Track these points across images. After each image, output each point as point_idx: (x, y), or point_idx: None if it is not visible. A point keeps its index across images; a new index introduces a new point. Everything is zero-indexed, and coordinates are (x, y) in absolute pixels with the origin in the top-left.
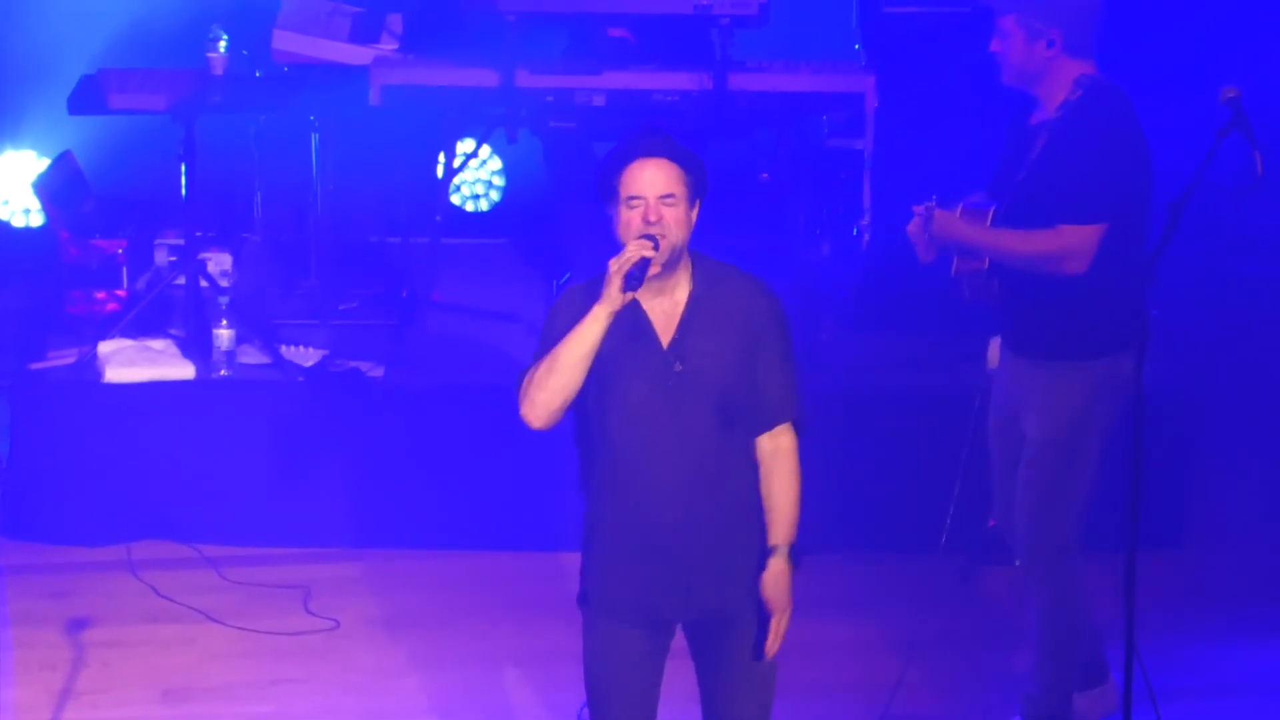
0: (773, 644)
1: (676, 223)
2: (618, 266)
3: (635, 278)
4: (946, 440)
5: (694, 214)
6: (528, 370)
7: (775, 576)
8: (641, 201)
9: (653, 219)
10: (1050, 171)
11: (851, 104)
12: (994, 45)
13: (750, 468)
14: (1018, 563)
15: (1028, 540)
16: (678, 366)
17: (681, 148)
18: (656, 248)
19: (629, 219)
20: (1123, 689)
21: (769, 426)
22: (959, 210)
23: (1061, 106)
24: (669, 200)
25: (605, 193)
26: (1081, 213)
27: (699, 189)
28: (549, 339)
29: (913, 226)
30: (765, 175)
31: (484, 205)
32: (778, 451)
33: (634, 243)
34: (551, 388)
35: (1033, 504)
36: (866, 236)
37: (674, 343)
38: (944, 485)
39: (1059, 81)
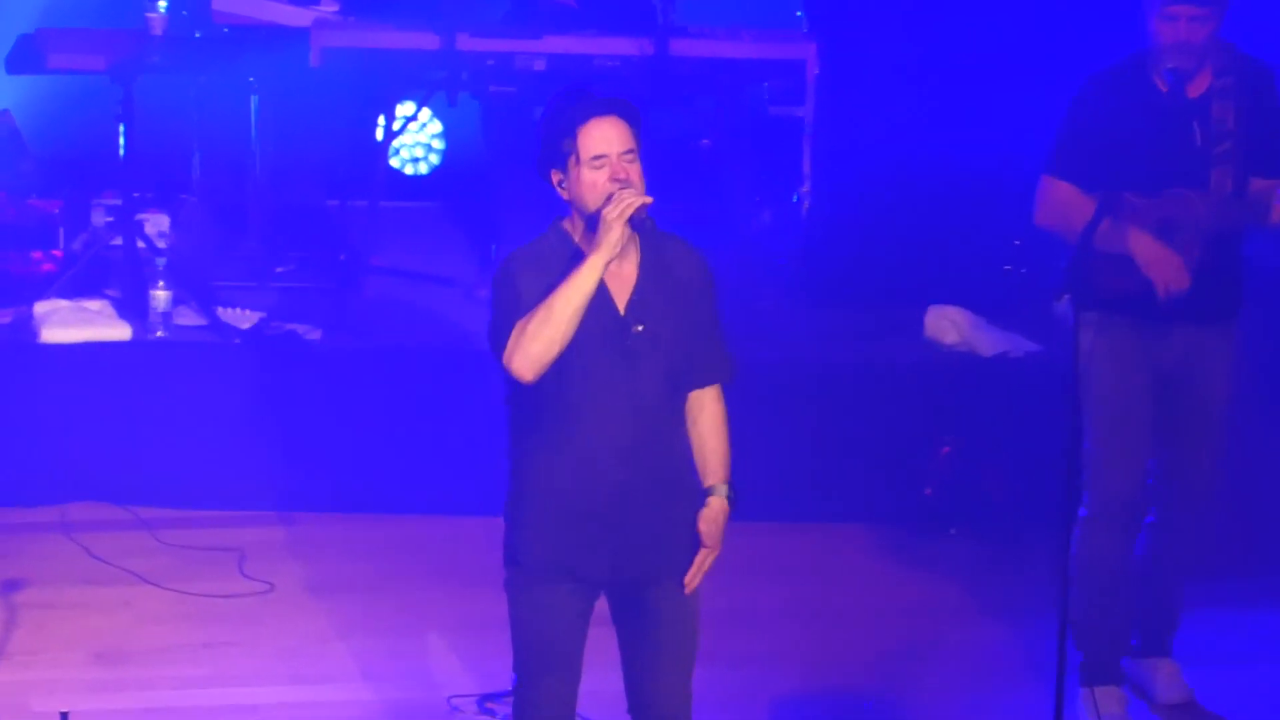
0: (694, 577)
1: (639, 179)
2: (618, 213)
3: (638, 224)
4: (879, 406)
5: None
6: (498, 325)
7: (714, 513)
8: (605, 160)
9: (618, 177)
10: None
11: (793, 71)
12: (1190, 30)
13: (682, 428)
14: (952, 531)
15: (1213, 486)
16: (638, 328)
17: (630, 104)
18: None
19: (593, 179)
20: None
21: (708, 384)
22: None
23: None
24: (629, 156)
25: (556, 156)
26: None
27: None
28: (514, 296)
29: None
30: (706, 141)
31: (423, 169)
32: (707, 399)
33: (625, 192)
34: (548, 338)
35: (1223, 448)
36: (807, 204)
37: (631, 306)
38: (878, 455)
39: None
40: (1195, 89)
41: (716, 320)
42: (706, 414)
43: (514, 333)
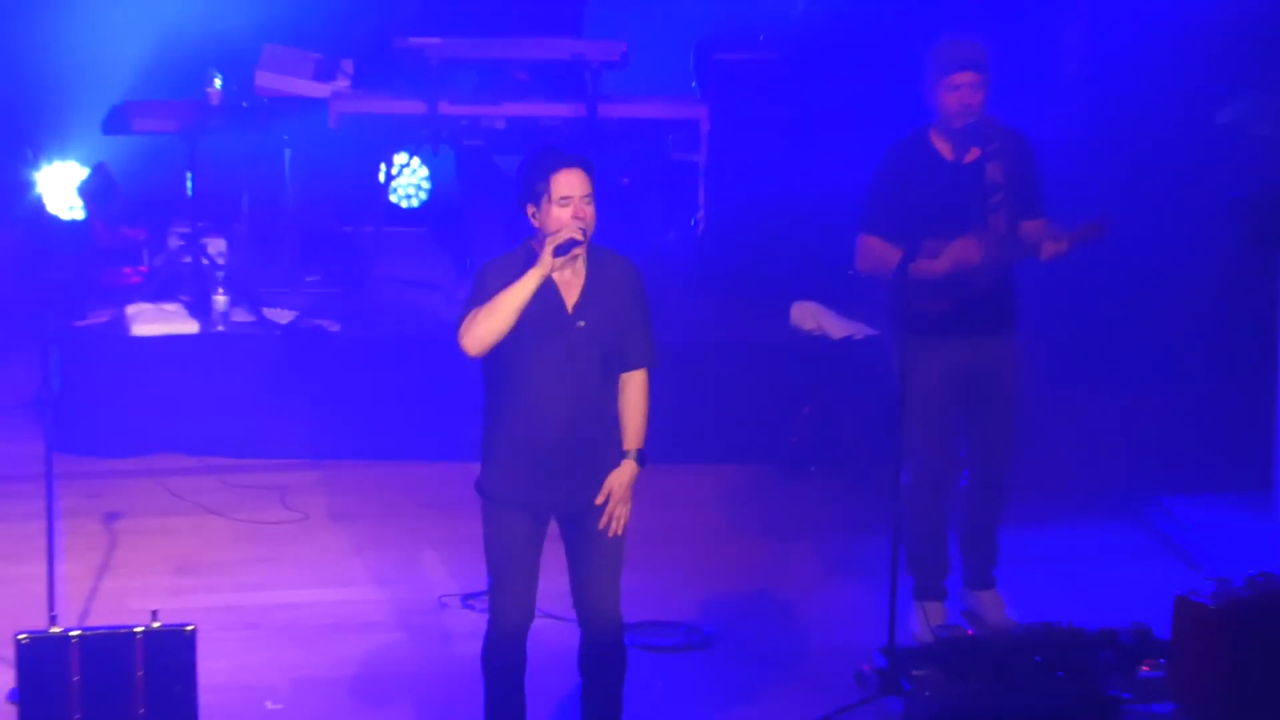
0: (609, 523)
1: (592, 216)
2: (552, 243)
3: (565, 249)
4: (757, 376)
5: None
6: (464, 316)
7: (622, 473)
8: (570, 200)
9: (579, 215)
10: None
11: (689, 127)
12: (971, 95)
13: (615, 399)
14: (812, 469)
15: (1007, 461)
16: (580, 324)
17: (589, 160)
18: (585, 235)
19: (559, 214)
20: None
21: (635, 368)
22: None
23: (991, 139)
24: (587, 199)
25: (531, 194)
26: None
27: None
28: (481, 293)
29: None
30: (626, 180)
31: (415, 203)
32: (633, 383)
33: (567, 228)
34: (490, 328)
35: (1014, 433)
36: (701, 226)
37: (577, 307)
38: (757, 413)
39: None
40: (971, 155)
41: (646, 319)
42: (630, 392)
43: (467, 319)
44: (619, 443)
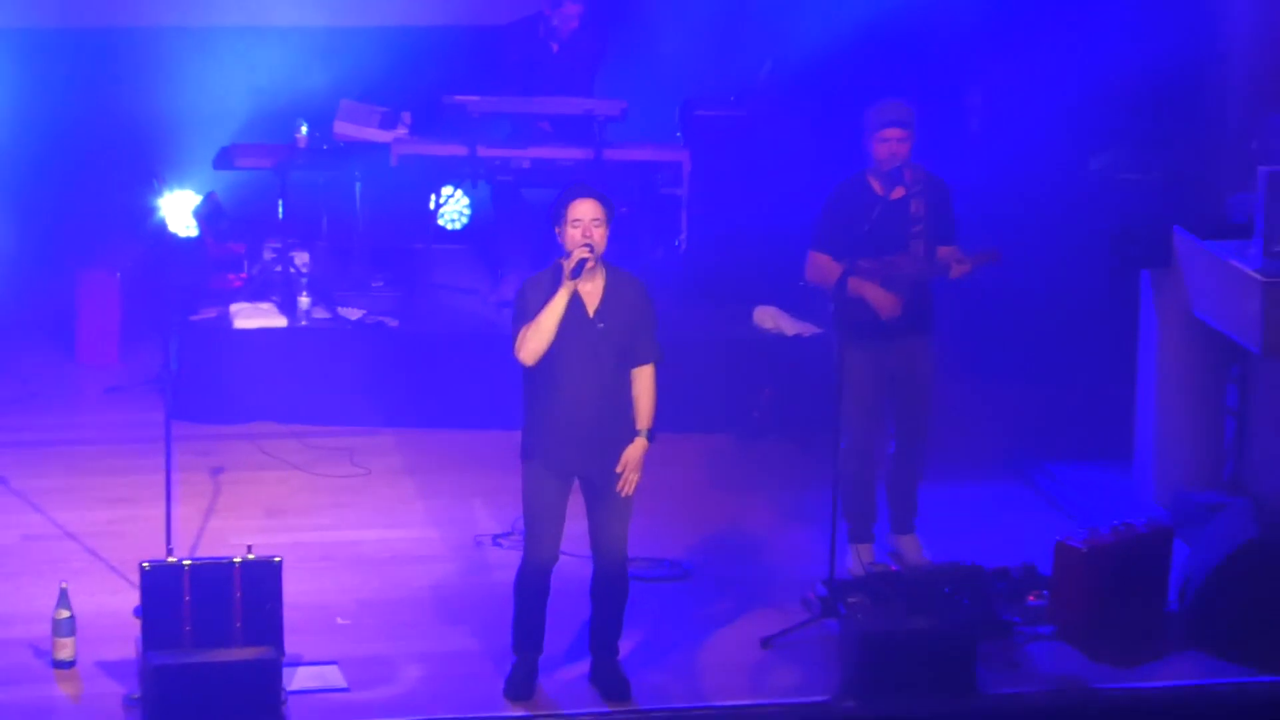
0: (624, 487)
1: (601, 237)
2: (569, 266)
3: (577, 270)
4: (727, 364)
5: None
6: (515, 332)
7: (635, 448)
8: (580, 223)
9: (586, 235)
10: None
11: (675, 168)
12: (898, 146)
13: (628, 387)
14: (770, 437)
15: (924, 434)
16: (600, 326)
17: (603, 193)
18: (592, 251)
19: (573, 234)
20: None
21: (644, 363)
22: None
23: (914, 181)
24: (596, 223)
25: (556, 217)
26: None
27: (611, 218)
28: (523, 308)
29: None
30: (624, 209)
31: (458, 225)
32: (644, 375)
33: (577, 250)
34: (539, 342)
35: (929, 411)
36: (683, 246)
37: (597, 313)
38: (727, 393)
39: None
40: (898, 193)
41: (653, 324)
42: (641, 382)
43: (519, 337)
44: (631, 421)
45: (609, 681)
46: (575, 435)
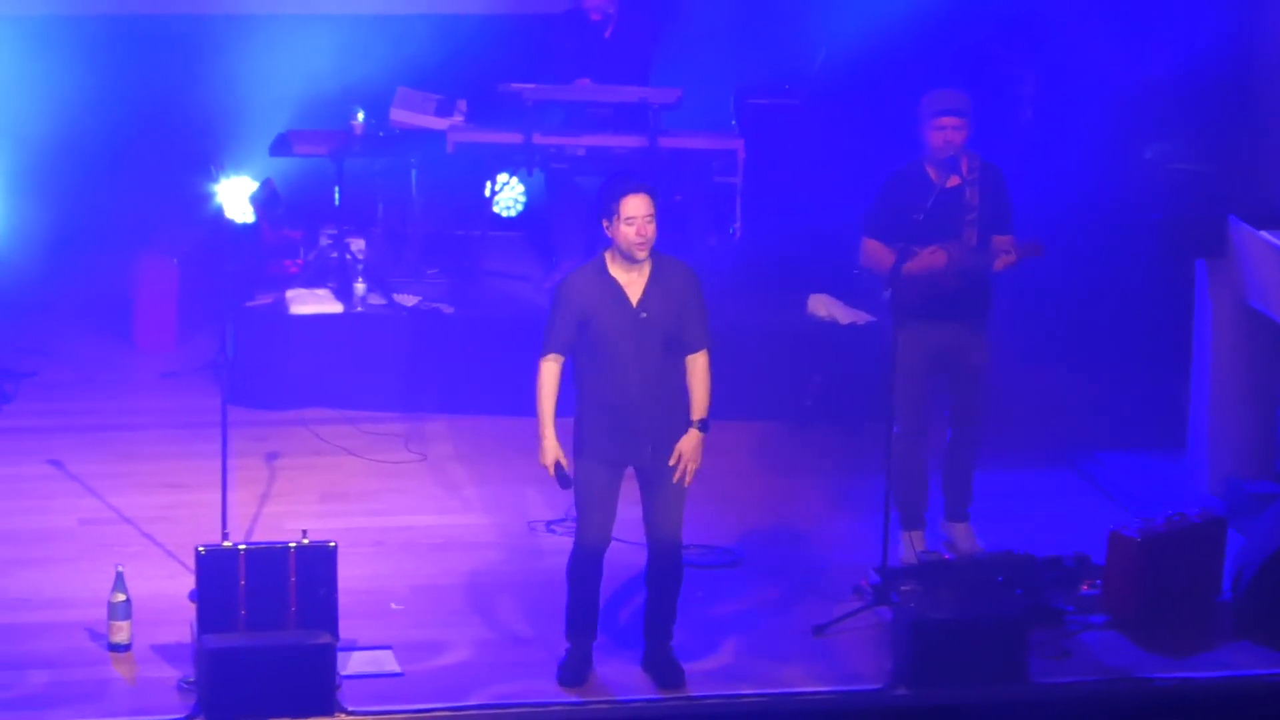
0: (682, 475)
1: (653, 231)
2: (550, 471)
3: (562, 479)
4: (780, 352)
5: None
6: (546, 332)
7: (690, 439)
8: (634, 220)
9: (641, 234)
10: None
11: (729, 156)
12: (953, 135)
13: (680, 375)
14: (821, 425)
15: (979, 422)
16: (643, 315)
17: (652, 185)
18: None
19: (626, 232)
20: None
21: (695, 350)
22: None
23: (970, 169)
24: (649, 219)
25: (606, 211)
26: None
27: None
28: (560, 307)
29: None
30: (678, 197)
31: (513, 213)
32: (696, 364)
33: (552, 465)
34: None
35: (983, 400)
36: (737, 234)
37: (640, 302)
38: (781, 381)
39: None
40: (953, 181)
41: (703, 311)
42: (694, 372)
43: (544, 344)
44: (684, 410)
45: (662, 668)
46: (626, 425)
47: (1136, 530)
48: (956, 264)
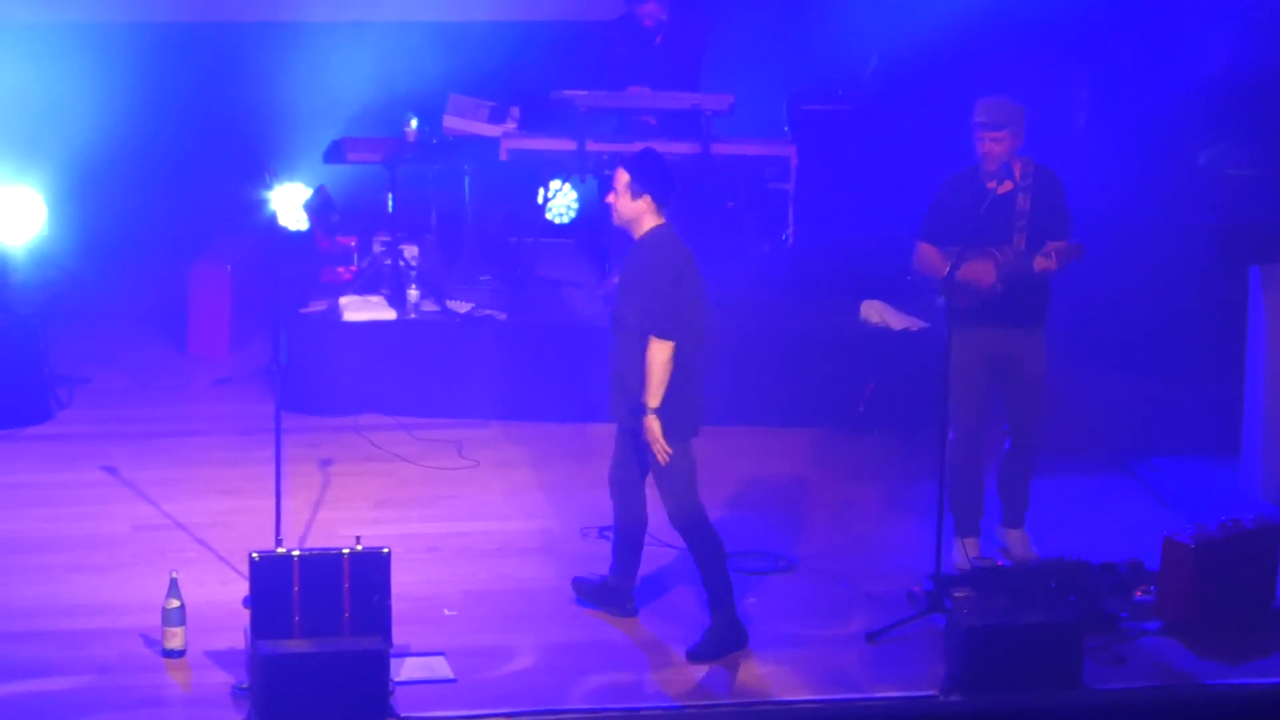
0: (656, 455)
1: (616, 203)
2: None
3: None
4: (833, 359)
5: (639, 201)
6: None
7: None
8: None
9: (610, 201)
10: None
11: (782, 162)
12: (993, 146)
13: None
14: (875, 433)
15: (1036, 428)
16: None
17: (627, 159)
18: None
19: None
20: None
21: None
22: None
23: (1024, 174)
24: (614, 191)
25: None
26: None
27: (643, 184)
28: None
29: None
30: (731, 204)
31: (566, 219)
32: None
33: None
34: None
35: (1041, 408)
36: (790, 240)
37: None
38: (833, 387)
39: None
40: (1005, 187)
41: (645, 295)
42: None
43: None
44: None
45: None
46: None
47: (1190, 536)
48: (1004, 271)
